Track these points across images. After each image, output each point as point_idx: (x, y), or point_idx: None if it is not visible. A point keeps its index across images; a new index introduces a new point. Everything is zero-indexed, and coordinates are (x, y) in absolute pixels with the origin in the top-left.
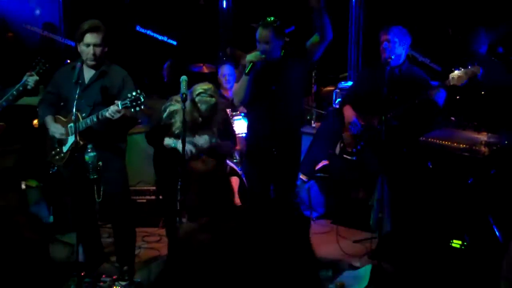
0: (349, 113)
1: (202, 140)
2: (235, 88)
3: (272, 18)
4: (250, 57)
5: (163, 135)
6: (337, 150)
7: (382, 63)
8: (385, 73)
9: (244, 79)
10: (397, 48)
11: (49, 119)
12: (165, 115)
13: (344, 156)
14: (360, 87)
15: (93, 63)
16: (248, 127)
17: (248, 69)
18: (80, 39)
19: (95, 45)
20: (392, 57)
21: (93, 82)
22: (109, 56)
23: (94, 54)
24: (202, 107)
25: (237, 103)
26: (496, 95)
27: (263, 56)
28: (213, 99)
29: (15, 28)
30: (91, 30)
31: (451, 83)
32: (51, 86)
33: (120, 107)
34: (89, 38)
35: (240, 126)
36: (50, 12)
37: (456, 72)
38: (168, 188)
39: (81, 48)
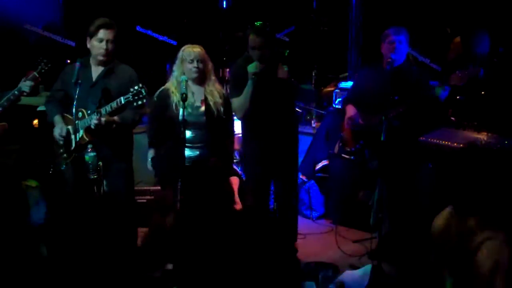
0: (351, 110)
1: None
2: (238, 103)
3: (261, 23)
4: (252, 68)
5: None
6: (336, 149)
7: (381, 63)
8: (386, 73)
9: (249, 92)
10: (405, 49)
11: (57, 119)
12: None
13: (343, 155)
14: (361, 87)
15: (103, 58)
16: (246, 133)
17: (254, 82)
18: (94, 34)
19: (108, 40)
20: (396, 58)
21: (100, 80)
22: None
23: (106, 49)
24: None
25: (242, 117)
26: (497, 95)
27: (263, 64)
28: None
29: (15, 28)
30: (106, 26)
31: (452, 83)
32: (58, 84)
33: (123, 102)
34: (103, 33)
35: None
36: (51, 12)
37: (457, 73)
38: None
39: (93, 43)
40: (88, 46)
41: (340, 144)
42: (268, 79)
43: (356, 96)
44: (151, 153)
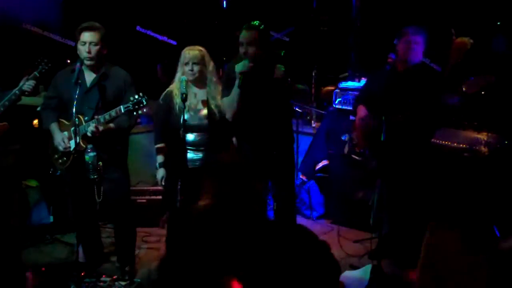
0: (362, 111)
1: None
2: (226, 103)
3: (257, 22)
4: (239, 67)
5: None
6: (346, 149)
7: (394, 63)
8: (398, 73)
9: (237, 92)
10: (421, 50)
11: (54, 127)
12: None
13: (352, 156)
14: (373, 88)
15: (90, 62)
16: (240, 134)
17: (240, 81)
18: (77, 37)
19: (90, 43)
20: (411, 58)
21: (94, 85)
22: (109, 57)
23: (89, 52)
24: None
25: (231, 117)
26: (497, 95)
27: (251, 63)
28: None
29: (15, 28)
30: (87, 28)
31: (465, 90)
32: (51, 91)
33: (122, 111)
34: (85, 36)
35: None
36: (51, 12)
37: (471, 79)
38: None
39: (78, 47)
40: (77, 50)
41: (350, 145)
42: (260, 79)
43: (367, 97)
44: (160, 158)
